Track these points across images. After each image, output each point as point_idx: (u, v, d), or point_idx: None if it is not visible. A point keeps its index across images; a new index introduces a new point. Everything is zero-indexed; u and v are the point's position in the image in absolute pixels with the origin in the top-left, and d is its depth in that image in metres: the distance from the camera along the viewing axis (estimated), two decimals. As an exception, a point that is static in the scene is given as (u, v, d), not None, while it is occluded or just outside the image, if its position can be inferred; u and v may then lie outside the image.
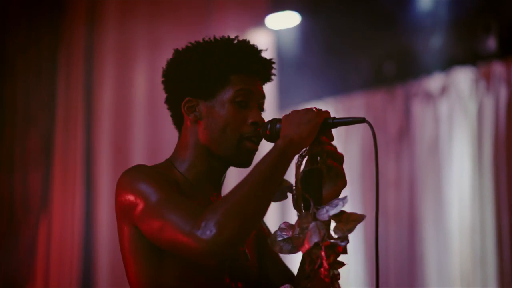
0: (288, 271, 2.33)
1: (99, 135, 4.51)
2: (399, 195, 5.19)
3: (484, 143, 4.73)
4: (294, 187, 2.00)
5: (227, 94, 2.15)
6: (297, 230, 1.94)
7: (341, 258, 1.95)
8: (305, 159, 2.03)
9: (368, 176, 5.35)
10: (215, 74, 2.15)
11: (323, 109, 2.04)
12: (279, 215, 5.40)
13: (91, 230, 4.41)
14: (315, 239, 1.90)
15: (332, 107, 5.45)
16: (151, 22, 4.78)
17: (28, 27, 4.18)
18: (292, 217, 1.99)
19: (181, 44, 2.26)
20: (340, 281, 1.95)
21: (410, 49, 5.20)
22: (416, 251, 5.05)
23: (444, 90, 5.00)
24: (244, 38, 2.25)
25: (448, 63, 4.99)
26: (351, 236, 1.94)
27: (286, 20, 5.51)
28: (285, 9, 5.44)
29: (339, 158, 2.06)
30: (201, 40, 2.23)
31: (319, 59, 5.52)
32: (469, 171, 4.78)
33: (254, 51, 2.22)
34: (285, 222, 2.00)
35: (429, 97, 5.08)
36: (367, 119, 2.00)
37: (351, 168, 5.32)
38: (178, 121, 2.25)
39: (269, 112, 5.28)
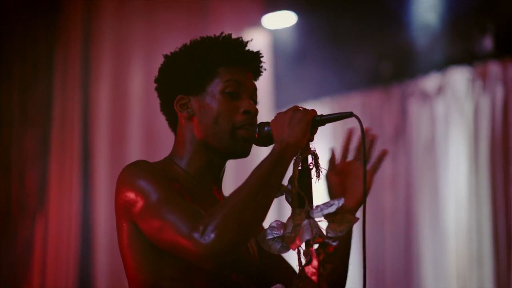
0: (288, 267, 2.33)
1: (95, 134, 4.51)
2: (395, 195, 5.20)
3: (480, 143, 4.74)
4: (289, 185, 2.00)
5: (217, 86, 2.17)
6: (289, 228, 1.94)
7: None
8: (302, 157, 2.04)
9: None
10: (202, 67, 2.17)
11: (309, 108, 2.05)
12: (273, 213, 5.40)
13: (88, 230, 4.41)
14: (307, 236, 1.90)
15: (328, 106, 5.45)
16: (148, 22, 4.78)
17: (25, 28, 4.18)
18: (286, 215, 1.99)
19: (178, 44, 2.28)
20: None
21: (407, 48, 5.21)
22: (412, 251, 5.05)
23: (440, 89, 5.01)
24: (238, 36, 2.27)
25: (445, 63, 5.00)
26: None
27: (282, 20, 5.51)
28: (281, 9, 5.44)
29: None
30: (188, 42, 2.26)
31: (315, 59, 5.52)
32: (465, 171, 4.79)
33: (239, 43, 2.24)
34: (276, 221, 2.00)
35: (425, 96, 5.09)
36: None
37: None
38: (173, 123, 2.26)
39: (266, 112, 5.31)
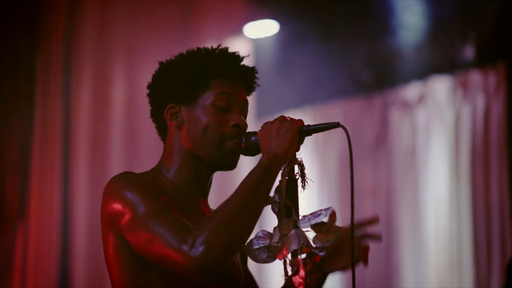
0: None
1: (77, 142, 4.49)
2: (376, 203, 5.21)
3: (461, 152, 4.76)
4: (276, 196, 1.99)
5: (208, 98, 2.15)
6: (275, 237, 1.94)
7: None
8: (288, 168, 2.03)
9: (346, 183, 5.35)
10: (195, 78, 2.16)
11: (296, 118, 2.05)
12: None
13: (68, 239, 4.38)
14: (294, 246, 1.90)
15: (309, 115, 5.47)
16: (129, 29, 4.77)
17: (6, 35, 4.16)
18: (268, 225, 1.99)
19: (159, 51, 2.27)
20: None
21: (388, 57, 5.23)
22: (392, 259, 5.07)
23: (421, 98, 5.04)
24: (224, 46, 2.26)
25: (426, 72, 5.03)
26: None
27: (264, 29, 5.51)
28: (263, 18, 5.44)
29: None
30: (184, 52, 2.24)
31: (297, 68, 5.53)
32: (446, 179, 4.81)
33: (235, 57, 2.23)
34: (262, 231, 2.00)
35: (406, 105, 5.11)
36: (344, 126, 2.00)
37: (329, 176, 5.33)
38: (162, 131, 2.24)
39: (248, 120, 5.28)
